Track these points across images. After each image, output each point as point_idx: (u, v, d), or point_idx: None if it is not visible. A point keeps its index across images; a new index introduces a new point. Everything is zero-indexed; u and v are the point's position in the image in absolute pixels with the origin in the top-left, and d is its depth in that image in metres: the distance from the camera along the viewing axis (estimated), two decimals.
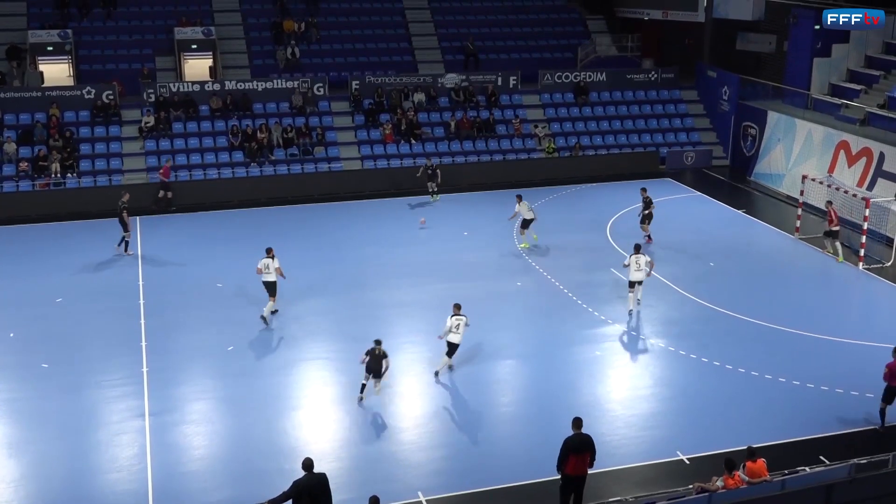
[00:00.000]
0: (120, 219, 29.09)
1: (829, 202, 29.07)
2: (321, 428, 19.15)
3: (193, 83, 39.02)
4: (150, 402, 19.91)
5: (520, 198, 29.75)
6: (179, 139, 37.31)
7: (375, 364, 19.94)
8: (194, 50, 41.16)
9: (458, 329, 20.91)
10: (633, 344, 22.99)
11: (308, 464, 14.16)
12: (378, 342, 20.06)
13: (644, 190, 30.61)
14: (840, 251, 28.66)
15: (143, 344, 22.76)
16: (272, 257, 24.01)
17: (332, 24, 44.06)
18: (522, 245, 29.88)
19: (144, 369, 21.41)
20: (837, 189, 30.26)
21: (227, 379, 21.13)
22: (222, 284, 26.67)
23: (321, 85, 39.93)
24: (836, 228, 28.56)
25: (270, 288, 24.04)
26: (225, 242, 30.50)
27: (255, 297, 25.62)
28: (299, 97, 39.15)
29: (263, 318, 24.04)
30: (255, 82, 39.50)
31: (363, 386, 20.04)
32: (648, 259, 24.78)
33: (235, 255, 29.26)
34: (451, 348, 21.07)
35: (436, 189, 34.86)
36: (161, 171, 34.78)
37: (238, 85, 39.12)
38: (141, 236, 30.85)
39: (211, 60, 41.53)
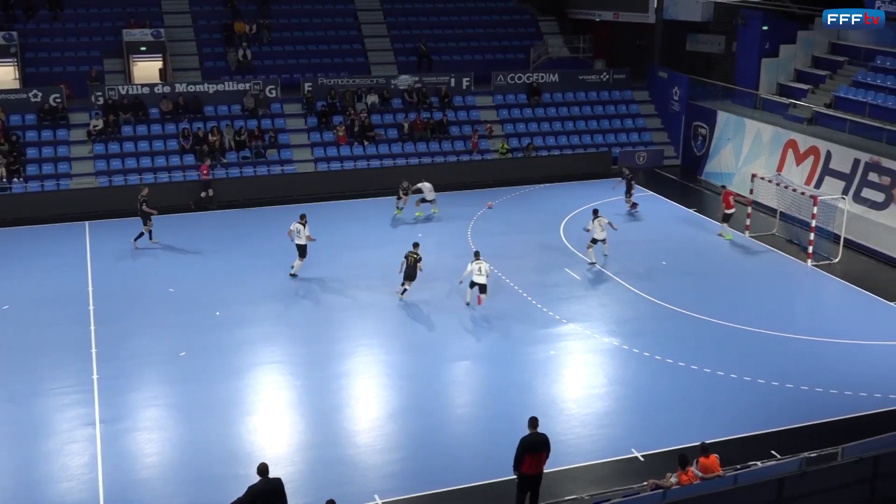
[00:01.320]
0: (140, 212, 29.54)
1: (724, 186, 31.99)
2: (276, 432, 18.99)
3: (143, 86, 38.54)
4: (100, 410, 19.60)
5: (424, 180, 33.13)
6: (129, 142, 36.81)
7: (411, 271, 25.18)
8: (143, 52, 40.65)
9: (480, 271, 24.64)
10: (587, 343, 23.11)
11: (263, 469, 14.01)
12: (416, 245, 25.75)
13: (622, 166, 35.16)
14: (728, 231, 30.86)
15: (94, 351, 22.40)
16: (304, 224, 26.69)
17: (283, 26, 43.80)
18: (417, 213, 33.29)
19: (95, 376, 21.07)
20: (786, 187, 30.72)
21: (179, 385, 20.87)
22: (174, 289, 26.35)
23: (273, 87, 39.67)
24: (732, 212, 30.65)
25: (300, 250, 26.88)
26: (176, 247, 30.11)
27: (207, 302, 25.41)
28: (251, 99, 38.84)
29: (293, 273, 27.16)
30: (206, 84, 39.11)
31: (404, 290, 25.32)
32: (608, 221, 28.53)
33: (187, 259, 28.97)
34: (481, 288, 24.73)
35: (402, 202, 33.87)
36: (201, 169, 34.97)
37: (189, 87, 38.71)
38: (90, 242, 30.41)
39: (161, 63, 41.05)
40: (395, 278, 27.11)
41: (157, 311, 24.94)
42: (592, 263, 28.24)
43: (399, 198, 33.42)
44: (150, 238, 30.05)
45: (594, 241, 28.34)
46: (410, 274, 25.17)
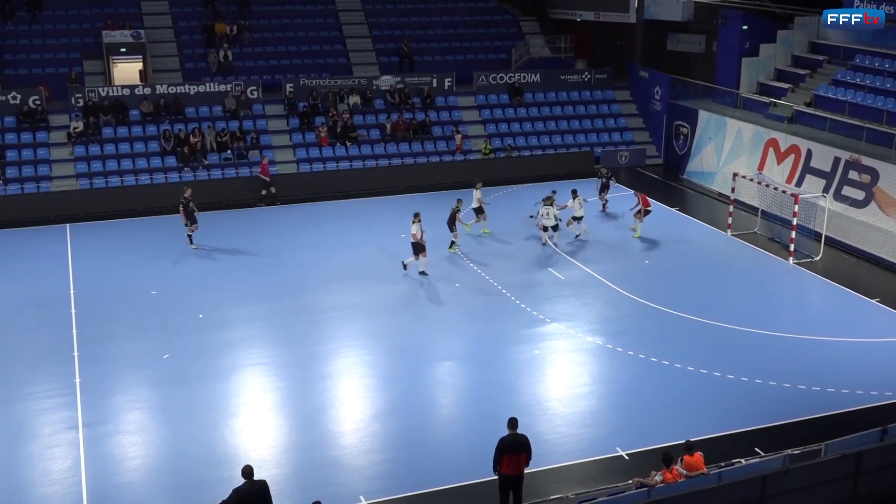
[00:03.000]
0: (183, 214, 29.63)
1: (638, 191, 32.64)
2: (260, 434, 18.92)
3: (123, 87, 38.30)
4: (83, 413, 19.48)
5: (478, 183, 32.02)
6: (109, 144, 36.59)
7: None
8: (123, 53, 40.40)
9: (548, 215, 29.39)
10: (571, 342, 23.14)
11: (248, 471, 13.92)
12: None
13: (601, 166, 36.00)
14: (639, 228, 31.32)
15: (76, 354, 22.25)
16: (414, 221, 26.98)
17: (264, 27, 43.63)
18: (474, 230, 31.62)
19: (77, 380, 20.93)
20: (767, 186, 30.88)
21: (162, 387, 20.77)
22: (157, 292, 26.20)
23: (255, 88, 39.53)
24: (649, 209, 31.31)
25: (414, 247, 27.10)
26: (157, 248, 29.91)
27: (189, 304, 25.30)
28: (232, 100, 38.69)
29: (421, 271, 27.47)
30: (186, 86, 38.92)
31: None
32: (584, 199, 31.18)
33: (168, 261, 28.80)
34: (553, 228, 29.83)
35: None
36: (260, 169, 35.16)
37: (169, 89, 38.51)
38: (72, 244, 30.22)
39: (141, 64, 40.81)
40: (375, 278, 27.20)
41: (139, 313, 24.80)
42: (577, 236, 30.80)
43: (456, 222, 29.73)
44: (191, 242, 29.86)
45: (574, 217, 30.68)
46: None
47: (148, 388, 20.89)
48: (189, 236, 29.93)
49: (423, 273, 27.41)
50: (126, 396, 20.54)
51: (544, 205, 29.96)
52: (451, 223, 28.97)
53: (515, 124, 41.65)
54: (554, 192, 30.84)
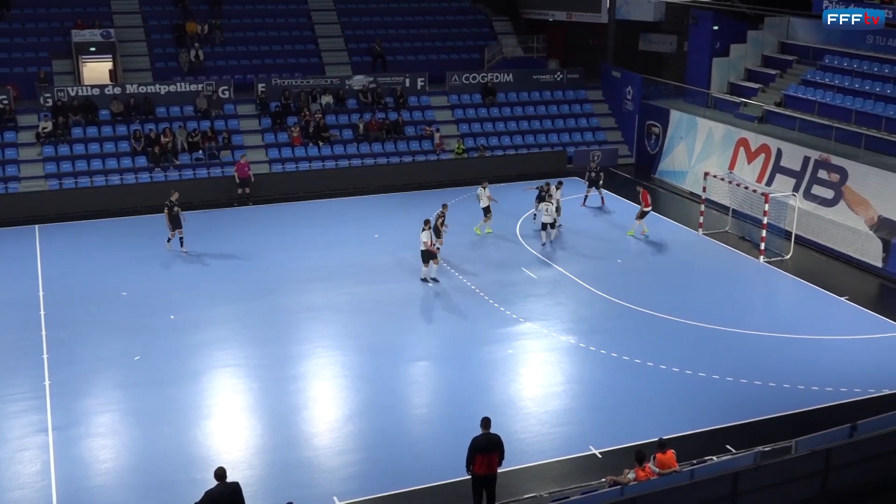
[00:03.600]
0: (168, 217, 28.94)
1: (640, 186, 32.90)
2: (233, 436, 18.82)
3: (93, 87, 37.95)
4: (53, 416, 19.29)
5: (484, 182, 31.93)
6: (79, 144, 36.24)
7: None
8: (93, 53, 40.05)
9: (547, 211, 29.34)
10: (544, 341, 23.20)
11: (220, 473, 13.86)
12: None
13: (591, 160, 37.04)
14: (644, 228, 31.23)
15: (45, 356, 22.02)
16: (424, 229, 26.54)
17: (236, 26, 43.42)
18: (482, 231, 31.62)
19: (47, 382, 20.72)
20: (738, 185, 31.11)
21: (134, 389, 20.60)
22: (127, 293, 25.99)
23: (226, 88, 39.32)
24: (648, 209, 31.26)
25: (422, 255, 26.71)
26: (127, 249, 29.67)
27: (161, 305, 25.10)
28: (204, 100, 38.44)
29: (432, 277, 26.96)
30: (157, 85, 38.63)
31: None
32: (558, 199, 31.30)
33: (140, 262, 28.55)
34: (550, 226, 29.61)
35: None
36: (236, 168, 34.99)
37: (140, 88, 38.21)
38: (40, 245, 29.91)
39: (111, 63, 40.47)
40: (349, 279, 27.13)
41: (110, 315, 24.58)
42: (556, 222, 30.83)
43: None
44: (170, 243, 29.28)
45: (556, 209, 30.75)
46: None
47: (119, 390, 20.72)
48: (169, 239, 29.40)
49: (434, 280, 26.91)
50: (97, 399, 20.35)
51: (543, 201, 29.99)
52: (436, 229, 28.23)
53: (488, 124, 41.70)
54: (547, 183, 31.25)
